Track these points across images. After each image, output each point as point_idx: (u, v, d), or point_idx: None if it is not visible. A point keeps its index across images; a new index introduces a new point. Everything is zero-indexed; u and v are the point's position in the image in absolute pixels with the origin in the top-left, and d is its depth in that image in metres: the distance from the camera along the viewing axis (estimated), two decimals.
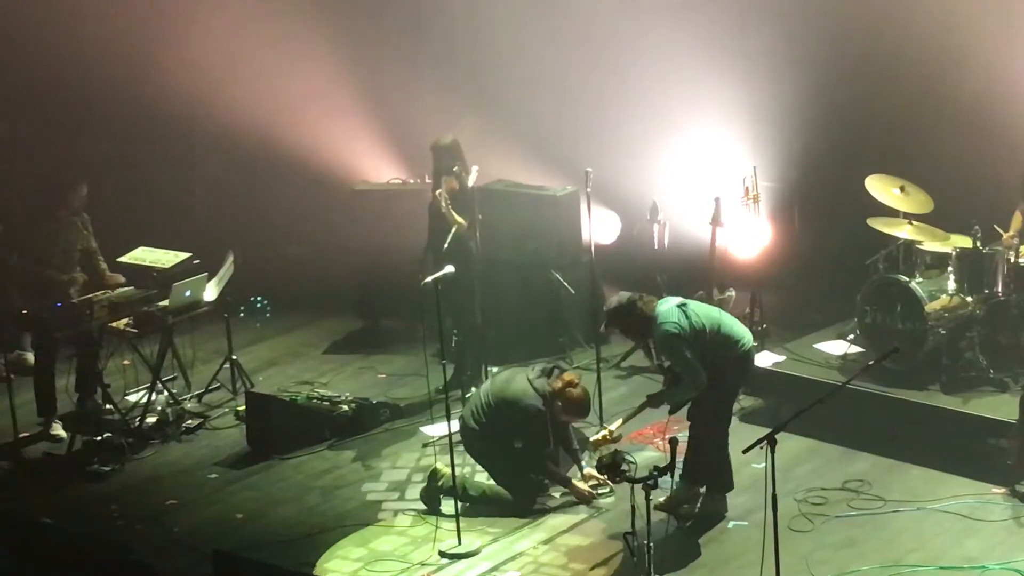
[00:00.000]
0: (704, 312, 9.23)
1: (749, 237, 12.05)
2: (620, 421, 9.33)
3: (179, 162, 14.94)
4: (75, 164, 13.82)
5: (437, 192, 11.10)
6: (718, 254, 11.68)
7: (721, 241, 11.70)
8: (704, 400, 9.20)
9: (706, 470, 9.36)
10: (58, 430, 11.15)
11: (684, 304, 9.20)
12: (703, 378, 9.00)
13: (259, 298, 13.85)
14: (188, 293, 11.27)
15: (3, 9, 13.79)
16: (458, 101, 13.94)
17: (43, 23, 13.95)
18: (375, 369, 12.35)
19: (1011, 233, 10.56)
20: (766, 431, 7.58)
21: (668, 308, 9.13)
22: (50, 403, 11.20)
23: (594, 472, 9.52)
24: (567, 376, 9.74)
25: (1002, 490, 9.42)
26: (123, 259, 11.59)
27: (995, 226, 10.60)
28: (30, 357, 12.07)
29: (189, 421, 11.29)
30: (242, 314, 13.34)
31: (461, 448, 10.19)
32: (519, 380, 9.75)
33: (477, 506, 9.68)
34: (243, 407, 11.22)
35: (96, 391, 11.14)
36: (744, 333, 9.31)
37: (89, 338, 10.99)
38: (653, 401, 9.34)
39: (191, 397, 11.68)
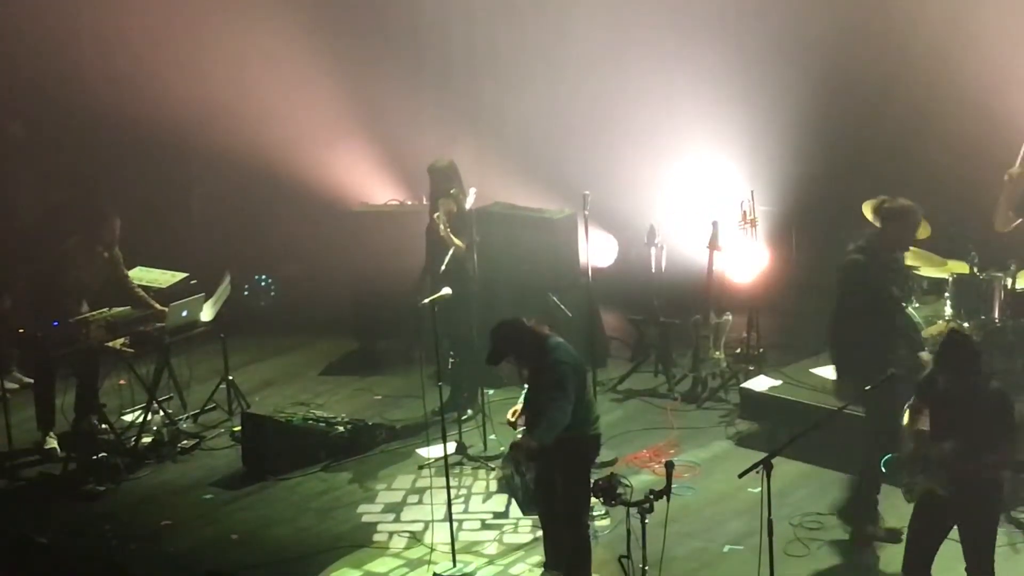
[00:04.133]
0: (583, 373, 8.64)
1: (746, 261, 12.07)
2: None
3: (177, 182, 14.94)
4: (74, 182, 13.86)
5: (435, 215, 11.10)
6: (715, 278, 11.69)
7: (718, 265, 11.70)
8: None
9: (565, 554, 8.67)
10: (52, 443, 11.14)
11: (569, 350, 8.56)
12: (567, 421, 8.33)
13: (263, 276, 13.82)
14: (185, 313, 11.27)
15: None
16: (456, 123, 13.97)
17: (40, 38, 13.95)
18: (371, 390, 12.34)
19: (1018, 168, 10.49)
20: (762, 455, 7.58)
21: (562, 342, 8.56)
22: (49, 416, 11.18)
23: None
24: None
25: None
26: None
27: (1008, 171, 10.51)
28: (22, 377, 12.08)
29: (184, 441, 11.27)
30: (247, 293, 13.27)
31: (455, 471, 10.23)
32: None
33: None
34: (239, 428, 11.20)
35: (93, 411, 11.13)
36: (597, 415, 8.72)
37: (89, 358, 10.98)
38: (521, 449, 8.34)
39: (187, 417, 11.66)
